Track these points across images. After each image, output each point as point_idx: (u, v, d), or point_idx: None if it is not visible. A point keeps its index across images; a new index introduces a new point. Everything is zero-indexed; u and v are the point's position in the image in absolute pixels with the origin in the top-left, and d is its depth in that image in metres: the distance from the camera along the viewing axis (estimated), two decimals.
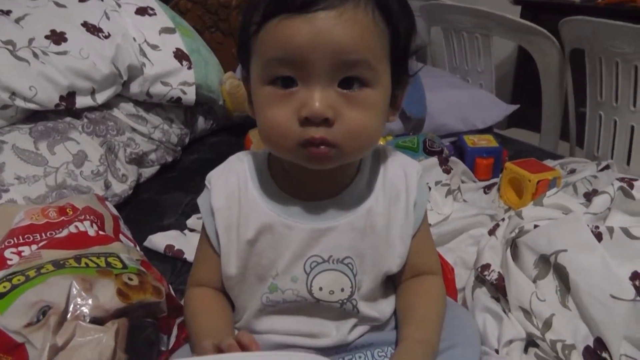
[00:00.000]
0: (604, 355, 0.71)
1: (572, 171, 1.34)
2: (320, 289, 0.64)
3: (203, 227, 0.68)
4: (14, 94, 1.17)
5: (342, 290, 0.65)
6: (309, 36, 0.53)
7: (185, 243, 1.10)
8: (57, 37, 1.28)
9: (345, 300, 0.65)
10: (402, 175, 0.68)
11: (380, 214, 0.65)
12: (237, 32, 0.64)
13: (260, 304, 0.66)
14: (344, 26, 0.54)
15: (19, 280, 0.71)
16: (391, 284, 0.72)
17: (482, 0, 2.96)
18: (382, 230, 0.66)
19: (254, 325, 0.68)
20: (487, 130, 1.69)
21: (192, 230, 1.16)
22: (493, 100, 1.79)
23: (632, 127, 1.52)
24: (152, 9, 1.59)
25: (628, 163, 1.56)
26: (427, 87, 1.59)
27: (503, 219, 0.94)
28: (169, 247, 1.08)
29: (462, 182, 1.33)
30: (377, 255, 0.66)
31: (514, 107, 1.76)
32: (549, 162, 1.39)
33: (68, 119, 1.26)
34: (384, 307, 0.70)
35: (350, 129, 0.56)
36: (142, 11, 1.56)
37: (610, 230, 0.80)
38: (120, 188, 1.23)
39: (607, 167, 1.32)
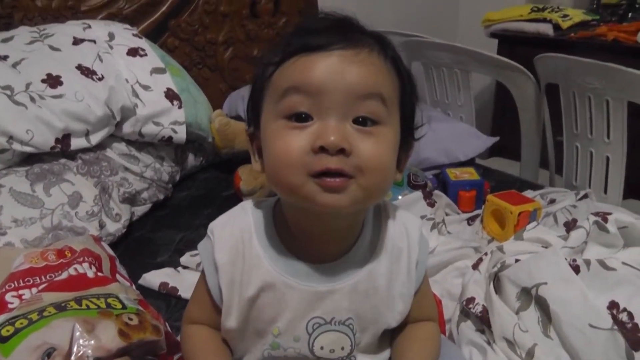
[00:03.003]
0: None
1: (552, 201, 1.39)
2: (322, 348, 0.66)
3: (203, 274, 0.68)
4: (11, 137, 1.20)
5: (342, 348, 0.66)
6: (326, 68, 0.56)
7: (179, 280, 1.12)
8: (53, 81, 1.32)
9: (344, 358, 0.67)
10: (403, 232, 0.68)
11: (383, 274, 0.66)
12: (249, 94, 0.66)
13: (260, 356, 0.68)
14: (359, 64, 0.57)
15: (21, 323, 0.73)
16: (388, 332, 0.72)
17: (461, 34, 3.10)
18: (384, 289, 0.66)
19: None
20: (469, 162, 1.75)
21: (185, 267, 1.19)
22: (474, 133, 1.85)
23: (607, 158, 1.58)
24: (143, 50, 1.64)
25: (605, 191, 1.61)
26: None
27: (486, 253, 0.98)
28: (164, 284, 1.10)
29: (446, 214, 1.37)
30: (377, 314, 0.67)
31: (494, 139, 1.82)
32: (529, 193, 1.44)
33: (63, 160, 1.29)
34: (381, 356, 0.72)
35: (366, 159, 0.56)
36: (133, 52, 1.61)
37: (587, 262, 0.85)
38: (115, 227, 1.26)
39: (585, 196, 1.37)
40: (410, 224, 0.70)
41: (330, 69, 0.56)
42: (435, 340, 0.72)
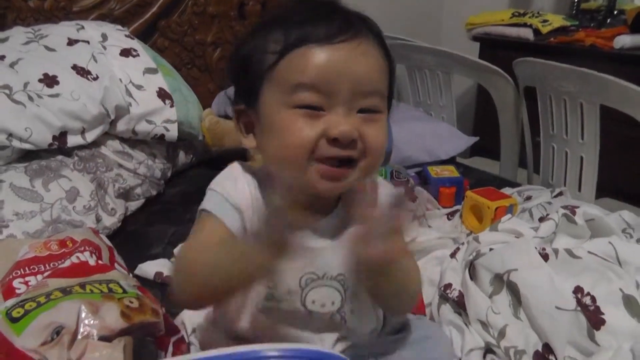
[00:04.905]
0: (551, 358, 0.82)
1: (529, 198, 1.46)
2: (313, 302, 0.70)
3: (214, 220, 0.68)
4: (10, 135, 1.25)
5: (333, 303, 0.71)
6: (336, 65, 0.61)
7: None
8: (49, 81, 1.36)
9: (334, 312, 0.71)
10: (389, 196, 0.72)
11: None
12: (240, 66, 0.69)
13: (254, 309, 0.71)
14: (361, 58, 0.63)
15: (30, 306, 0.78)
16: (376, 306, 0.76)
17: (444, 36, 3.17)
18: None
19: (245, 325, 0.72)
20: (450, 161, 1.82)
21: None
22: (455, 132, 1.92)
23: (582, 158, 1.65)
24: (135, 50, 1.68)
25: (579, 189, 1.69)
26: (393, 121, 1.68)
27: (463, 243, 1.05)
28: (159, 273, 1.15)
29: (427, 209, 1.43)
30: None
31: (474, 139, 1.90)
32: (507, 190, 1.51)
33: (60, 157, 1.33)
34: (370, 320, 0.76)
35: (371, 143, 0.63)
36: (126, 52, 1.65)
37: (556, 251, 0.92)
38: (110, 221, 1.31)
39: (560, 193, 1.44)
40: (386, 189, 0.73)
41: (339, 66, 0.61)
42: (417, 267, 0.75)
